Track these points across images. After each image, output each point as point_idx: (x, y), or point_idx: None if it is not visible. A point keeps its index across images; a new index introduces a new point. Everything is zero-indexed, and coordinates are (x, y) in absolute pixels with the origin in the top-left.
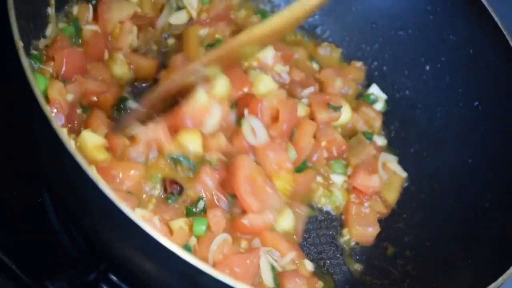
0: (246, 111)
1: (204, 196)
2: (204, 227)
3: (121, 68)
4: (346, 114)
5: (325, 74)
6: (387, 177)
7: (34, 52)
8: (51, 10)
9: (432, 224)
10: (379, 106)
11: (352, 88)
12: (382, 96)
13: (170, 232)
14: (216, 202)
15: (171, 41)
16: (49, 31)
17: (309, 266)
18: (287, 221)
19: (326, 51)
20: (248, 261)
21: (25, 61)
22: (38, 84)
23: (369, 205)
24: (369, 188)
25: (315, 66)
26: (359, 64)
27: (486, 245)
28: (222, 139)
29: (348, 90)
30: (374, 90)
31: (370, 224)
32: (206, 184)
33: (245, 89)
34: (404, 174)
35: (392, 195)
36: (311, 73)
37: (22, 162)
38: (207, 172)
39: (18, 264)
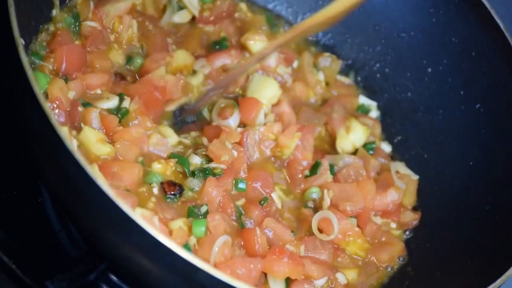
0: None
1: (209, 206)
2: (203, 228)
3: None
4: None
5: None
6: (405, 184)
7: (34, 49)
8: (55, 12)
9: (431, 226)
10: (375, 114)
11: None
12: (372, 103)
13: (170, 232)
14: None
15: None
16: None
17: (342, 279)
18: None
19: (326, 61)
20: (252, 265)
21: (24, 58)
22: (39, 82)
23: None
24: (388, 205)
25: (320, 76)
26: (347, 81)
27: (485, 247)
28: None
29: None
30: (363, 100)
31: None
32: (212, 195)
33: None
34: (416, 177)
35: (409, 199)
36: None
37: (22, 162)
38: (211, 184)
39: (18, 264)
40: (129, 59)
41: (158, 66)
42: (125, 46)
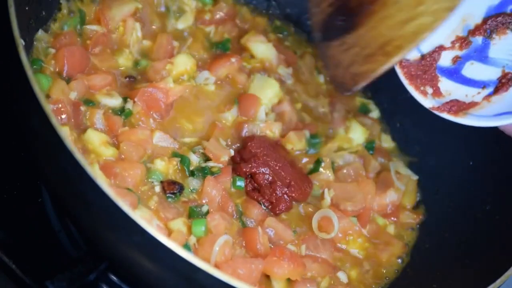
0: None
1: (209, 206)
2: (203, 228)
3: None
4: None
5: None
6: (405, 185)
7: (35, 50)
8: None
9: (431, 226)
10: (375, 114)
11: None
12: (372, 103)
13: (169, 232)
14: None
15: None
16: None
17: (343, 278)
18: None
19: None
20: (253, 266)
21: (24, 58)
22: (41, 84)
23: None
24: (387, 205)
25: (321, 78)
26: None
27: (485, 246)
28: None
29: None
30: (363, 100)
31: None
32: (211, 194)
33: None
34: (415, 177)
35: (409, 200)
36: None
37: (22, 162)
38: (210, 183)
39: (18, 264)
40: (136, 62)
41: (161, 77)
42: (134, 49)
